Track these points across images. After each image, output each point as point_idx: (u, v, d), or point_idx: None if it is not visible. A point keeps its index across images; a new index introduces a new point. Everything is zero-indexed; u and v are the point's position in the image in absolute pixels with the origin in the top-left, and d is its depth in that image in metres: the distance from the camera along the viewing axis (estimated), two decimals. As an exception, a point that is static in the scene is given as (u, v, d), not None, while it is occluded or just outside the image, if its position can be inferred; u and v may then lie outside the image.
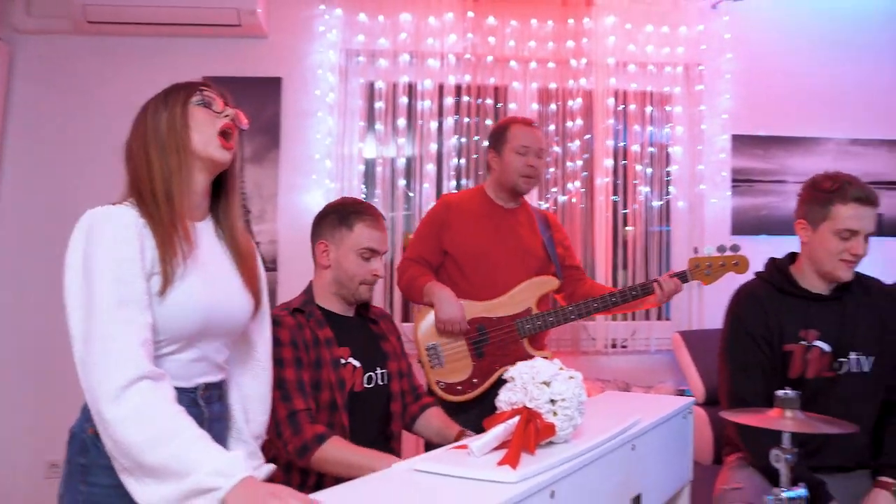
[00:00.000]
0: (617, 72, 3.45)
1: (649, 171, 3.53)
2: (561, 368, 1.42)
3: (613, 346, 3.42)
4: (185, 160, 1.40)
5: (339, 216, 1.93)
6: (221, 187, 1.53)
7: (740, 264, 2.40)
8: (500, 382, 2.25)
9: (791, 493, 1.46)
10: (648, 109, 3.53)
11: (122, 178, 1.45)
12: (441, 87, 3.33)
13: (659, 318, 3.57)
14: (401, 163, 3.36)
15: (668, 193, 3.56)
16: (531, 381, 1.39)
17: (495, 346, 2.39)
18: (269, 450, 1.76)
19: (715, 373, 2.90)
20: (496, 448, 1.36)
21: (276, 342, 1.74)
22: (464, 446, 1.37)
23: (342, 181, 3.32)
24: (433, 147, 3.31)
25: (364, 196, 3.37)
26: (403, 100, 3.32)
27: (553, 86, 3.44)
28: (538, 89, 3.45)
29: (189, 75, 3.09)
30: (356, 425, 1.86)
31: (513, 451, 1.28)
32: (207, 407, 1.42)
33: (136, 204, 1.37)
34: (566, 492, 1.32)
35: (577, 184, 3.42)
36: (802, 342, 1.97)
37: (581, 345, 3.40)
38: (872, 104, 3.70)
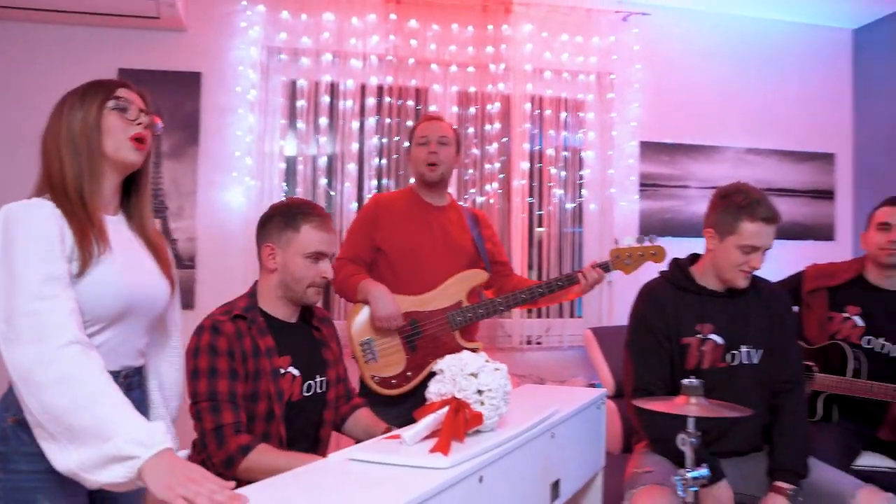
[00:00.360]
0: (534, 78, 3.58)
1: (563, 174, 3.68)
2: (487, 361, 1.49)
3: (528, 342, 3.55)
4: (96, 161, 1.45)
5: (284, 218, 1.88)
6: (133, 184, 1.58)
7: (658, 254, 2.52)
8: (434, 375, 2.33)
9: (695, 473, 1.60)
10: (563, 115, 3.68)
11: (33, 167, 1.49)
12: (363, 88, 3.37)
13: (571, 315, 3.73)
14: (322, 161, 3.37)
15: (580, 196, 3.73)
16: (460, 373, 1.46)
17: (428, 339, 2.45)
18: (194, 461, 1.75)
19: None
20: (427, 437, 1.42)
21: (213, 350, 1.75)
22: (396, 436, 1.42)
23: (262, 179, 3.30)
24: (354, 146, 3.33)
25: (284, 194, 3.36)
26: (325, 99, 3.34)
27: (473, 89, 3.53)
28: (458, 92, 3.54)
29: (105, 67, 3.06)
30: (292, 434, 1.86)
31: (444, 439, 1.35)
32: (128, 393, 1.43)
33: (52, 198, 1.41)
34: (493, 477, 1.40)
35: (495, 185, 3.53)
36: (698, 335, 2.12)
37: (497, 341, 3.51)
38: (767, 116, 3.99)
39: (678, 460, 1.90)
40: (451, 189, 3.23)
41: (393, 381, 2.41)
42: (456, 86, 3.53)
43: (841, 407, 2.52)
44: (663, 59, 3.83)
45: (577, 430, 1.94)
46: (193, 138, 3.22)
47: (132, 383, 1.54)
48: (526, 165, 3.57)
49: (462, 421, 1.41)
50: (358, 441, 2.05)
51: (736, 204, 2.09)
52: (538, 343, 3.58)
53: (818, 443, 2.31)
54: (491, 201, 3.52)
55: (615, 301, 3.66)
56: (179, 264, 3.02)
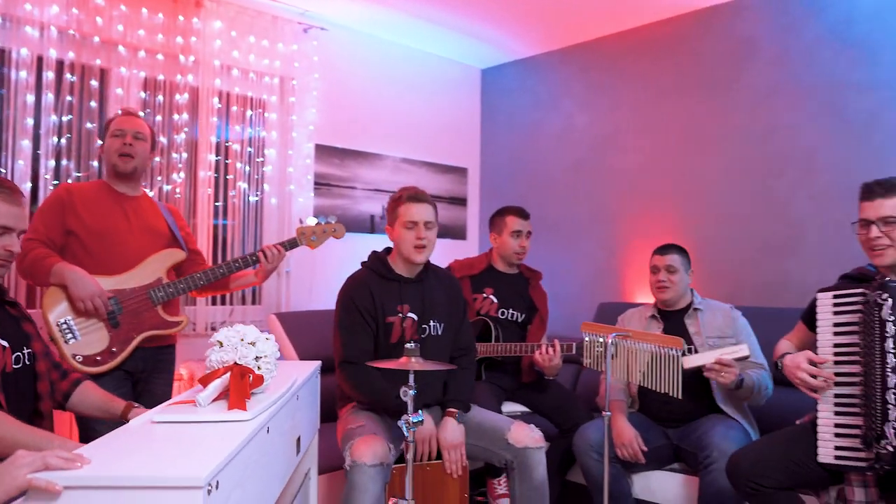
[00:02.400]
0: (222, 74, 3.70)
1: (247, 169, 3.87)
2: (263, 332, 1.72)
3: (213, 329, 3.66)
4: None
5: None
6: None
7: (338, 231, 2.90)
8: (139, 349, 2.40)
9: (415, 418, 2.02)
10: (249, 113, 3.87)
11: None
12: (40, 60, 3.12)
13: (253, 302, 3.93)
14: (-12, 134, 3.03)
15: (262, 191, 3.95)
16: (239, 343, 1.66)
17: (130, 315, 2.48)
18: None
19: (309, 346, 3.43)
20: (215, 399, 1.60)
21: None
22: (190, 401, 1.57)
23: None
24: (29, 122, 3.07)
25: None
26: (-8, 65, 3.01)
27: (161, 77, 3.51)
28: (146, 78, 3.48)
29: None
30: (11, 406, 1.80)
31: (237, 398, 1.56)
32: None
33: None
34: (274, 430, 1.65)
35: (182, 175, 3.56)
36: (399, 315, 2.58)
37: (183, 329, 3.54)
38: (417, 132, 4.70)
39: (391, 412, 2.33)
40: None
41: (98, 359, 2.40)
42: (144, 71, 3.46)
43: (486, 367, 3.24)
44: (338, 72, 4.27)
45: (306, 395, 2.23)
46: None
47: None
48: (212, 158, 3.67)
49: (247, 383, 1.62)
50: (89, 416, 2.04)
51: (397, 197, 2.64)
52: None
53: (475, 397, 2.95)
54: (177, 191, 3.54)
55: (292, 289, 3.98)
56: None
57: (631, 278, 4.22)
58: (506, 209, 3.42)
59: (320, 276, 4.12)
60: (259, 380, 1.65)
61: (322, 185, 4.19)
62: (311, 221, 2.90)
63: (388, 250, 2.73)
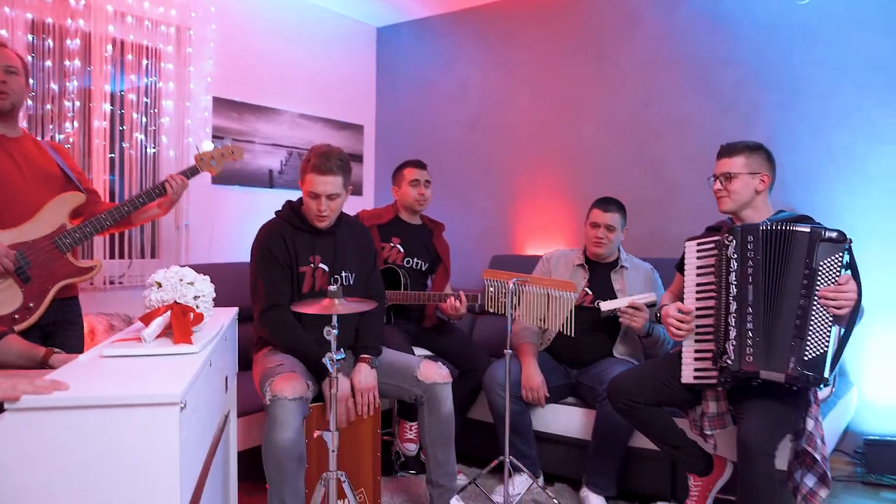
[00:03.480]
0: (116, 20, 3.59)
1: (143, 120, 3.79)
2: (200, 273, 1.82)
3: (111, 282, 3.62)
4: None
5: None
6: None
7: (237, 152, 2.91)
8: (56, 301, 2.34)
9: (338, 356, 2.18)
10: (144, 62, 3.78)
11: None
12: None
13: (152, 256, 3.90)
14: None
15: (160, 143, 3.89)
16: (179, 283, 1.76)
17: (40, 267, 2.41)
18: None
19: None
20: (158, 336, 1.69)
21: None
22: (134, 338, 1.66)
23: None
24: None
25: None
26: None
27: (50, 20, 3.37)
28: (33, 20, 3.33)
29: None
30: None
31: (182, 333, 1.67)
32: None
33: None
34: (214, 364, 1.76)
35: (75, 124, 3.46)
36: (311, 265, 2.70)
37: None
38: (315, 88, 4.74)
39: (312, 359, 2.47)
40: (25, 124, 3.11)
41: (16, 317, 2.35)
42: (30, 13, 3.31)
43: (395, 313, 3.43)
44: (235, 24, 4.23)
45: (229, 338, 2.32)
46: None
47: None
48: (107, 107, 3.58)
49: (189, 320, 1.72)
50: (14, 366, 2.05)
51: (305, 159, 2.66)
52: (120, 283, 3.67)
53: (385, 339, 3.12)
54: (71, 140, 3.44)
55: (191, 242, 3.98)
56: None
57: (522, 232, 4.52)
58: (404, 163, 3.60)
59: (219, 230, 4.14)
60: (199, 317, 1.75)
61: (220, 138, 4.17)
62: (208, 146, 2.89)
63: (300, 200, 2.81)
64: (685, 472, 2.66)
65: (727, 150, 2.53)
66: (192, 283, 1.76)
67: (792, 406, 2.33)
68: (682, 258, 2.60)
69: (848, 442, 3.50)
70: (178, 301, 1.73)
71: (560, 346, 3.19)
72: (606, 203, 3.20)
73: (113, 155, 3.66)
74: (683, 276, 2.57)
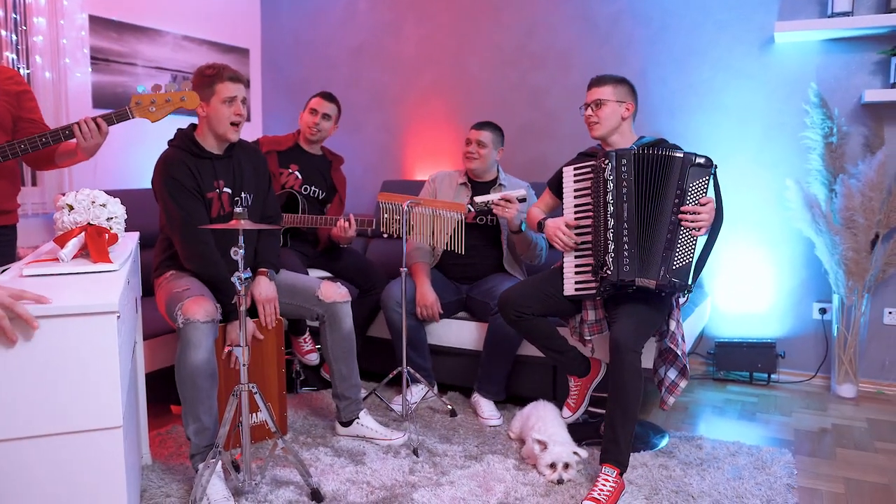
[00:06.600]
0: (-24, -72, 3.33)
1: (14, 37, 3.57)
2: (109, 194, 1.86)
3: None
4: None
5: None
6: None
7: (188, 99, 2.44)
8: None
9: (246, 275, 2.27)
10: (11, -25, 3.54)
11: None
12: None
13: (33, 184, 3.74)
14: None
15: (34, 63, 3.68)
16: (91, 205, 1.80)
17: None
18: None
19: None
20: (74, 257, 1.74)
21: None
22: (53, 258, 1.70)
23: None
24: None
25: None
26: None
27: None
28: None
29: None
30: None
31: (99, 253, 1.73)
32: None
33: None
34: (130, 283, 1.83)
35: (-62, 42, 3.23)
36: (217, 190, 2.73)
37: None
38: (197, 8, 4.58)
39: (222, 282, 2.55)
40: None
41: None
42: None
43: (291, 236, 3.52)
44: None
45: (134, 262, 2.36)
46: None
47: None
48: (-27, 24, 3.36)
49: (104, 240, 1.77)
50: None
51: (212, 73, 2.66)
52: None
53: (283, 260, 3.20)
54: (-67, 59, 3.22)
55: (74, 170, 3.84)
56: None
57: (411, 157, 4.66)
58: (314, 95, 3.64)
59: (105, 156, 3.99)
60: (114, 238, 1.81)
61: (100, 59, 4.00)
62: (142, 90, 2.71)
63: (193, 126, 2.80)
64: (566, 375, 2.98)
65: (597, 81, 2.79)
66: (104, 205, 1.81)
67: (657, 310, 2.66)
68: (558, 179, 2.85)
69: (703, 345, 4.00)
70: (91, 222, 1.77)
71: (450, 263, 3.41)
72: (480, 124, 3.45)
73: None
74: (560, 198, 2.83)
